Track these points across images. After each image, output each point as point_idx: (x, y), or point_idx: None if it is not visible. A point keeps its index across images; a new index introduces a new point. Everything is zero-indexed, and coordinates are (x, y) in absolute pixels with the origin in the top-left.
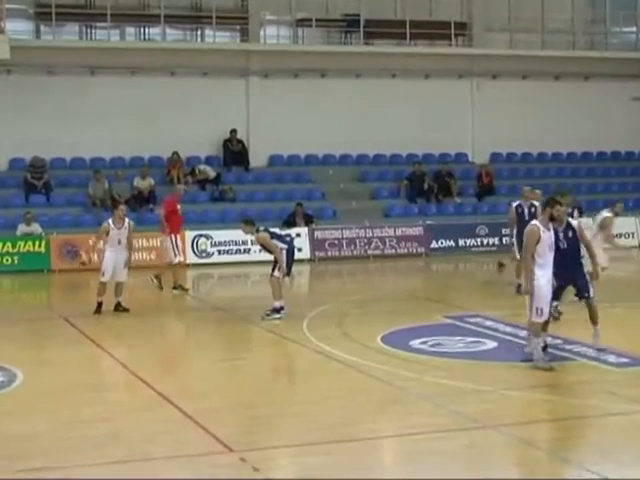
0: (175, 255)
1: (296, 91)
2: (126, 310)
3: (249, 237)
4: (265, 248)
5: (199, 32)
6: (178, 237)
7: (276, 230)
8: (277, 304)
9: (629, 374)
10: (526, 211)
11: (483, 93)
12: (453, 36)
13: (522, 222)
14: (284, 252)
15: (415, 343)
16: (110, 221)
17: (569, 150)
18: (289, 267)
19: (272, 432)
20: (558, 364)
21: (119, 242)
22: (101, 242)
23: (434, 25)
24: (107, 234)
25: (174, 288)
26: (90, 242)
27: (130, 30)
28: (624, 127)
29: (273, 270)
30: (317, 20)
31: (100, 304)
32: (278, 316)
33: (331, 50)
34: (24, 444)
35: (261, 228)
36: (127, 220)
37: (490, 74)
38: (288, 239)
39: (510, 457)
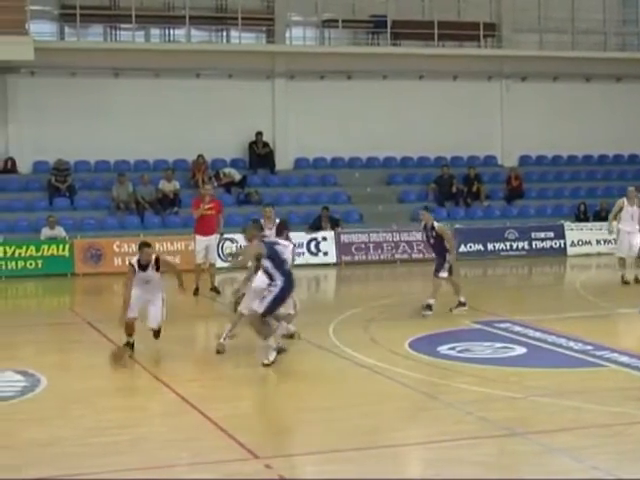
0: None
1: (322, 93)
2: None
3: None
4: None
5: (224, 33)
6: (197, 239)
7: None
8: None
9: None
10: None
11: (512, 95)
12: (482, 37)
13: None
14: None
15: (443, 349)
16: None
17: (600, 153)
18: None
19: (298, 439)
20: (589, 370)
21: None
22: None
23: (462, 26)
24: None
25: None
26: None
27: (155, 31)
28: None
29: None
30: (344, 21)
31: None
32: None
33: (358, 51)
34: (46, 450)
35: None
36: (278, 219)
37: (519, 76)
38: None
39: (540, 465)
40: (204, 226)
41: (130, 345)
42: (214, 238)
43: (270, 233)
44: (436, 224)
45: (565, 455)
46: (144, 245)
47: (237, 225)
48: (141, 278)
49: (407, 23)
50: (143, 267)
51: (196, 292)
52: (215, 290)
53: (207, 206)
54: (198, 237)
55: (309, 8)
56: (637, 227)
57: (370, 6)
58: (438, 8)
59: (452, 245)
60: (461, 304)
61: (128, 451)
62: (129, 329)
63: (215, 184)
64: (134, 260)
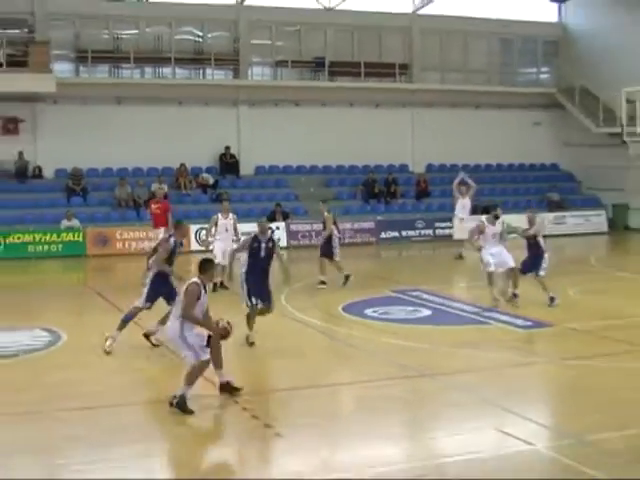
0: None
1: (276, 117)
2: (226, 288)
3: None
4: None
5: (201, 71)
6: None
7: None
8: None
9: (532, 334)
10: None
11: (420, 119)
12: (397, 74)
13: None
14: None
15: (369, 311)
16: (219, 214)
17: (487, 162)
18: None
19: (258, 380)
20: (479, 327)
21: (226, 230)
22: (212, 231)
23: (382, 65)
24: (216, 224)
25: None
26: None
27: (148, 69)
28: (528, 145)
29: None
30: (292, 62)
31: (215, 284)
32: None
33: (303, 85)
34: (69, 388)
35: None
36: (231, 213)
37: (426, 104)
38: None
39: (442, 399)
40: (154, 221)
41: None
42: (161, 231)
43: (226, 222)
44: (325, 214)
45: (462, 390)
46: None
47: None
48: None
49: (341, 63)
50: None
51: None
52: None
53: (154, 206)
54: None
55: (266, 51)
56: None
57: (313, 50)
58: (364, 51)
59: (327, 230)
60: (322, 282)
61: (137, 388)
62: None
63: (194, 186)
64: (197, 280)
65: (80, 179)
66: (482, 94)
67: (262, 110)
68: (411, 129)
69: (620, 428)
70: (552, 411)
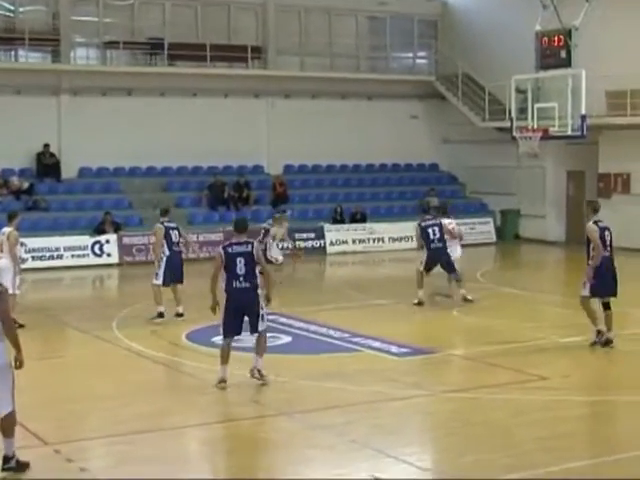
0: None
1: (105, 108)
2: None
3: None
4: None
5: (13, 53)
6: None
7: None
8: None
9: (409, 363)
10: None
11: (277, 111)
12: (250, 59)
13: None
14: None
15: (217, 339)
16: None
17: (355, 162)
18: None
19: (85, 425)
20: (346, 355)
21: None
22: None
23: (232, 49)
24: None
25: None
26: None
27: None
28: (403, 142)
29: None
30: (124, 43)
31: None
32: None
33: (137, 70)
34: None
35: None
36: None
37: (283, 93)
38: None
39: (306, 440)
40: None
41: None
42: None
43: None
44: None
45: (328, 430)
46: None
47: (26, 230)
48: None
49: (182, 45)
50: None
51: None
52: None
53: None
54: None
55: (92, 30)
56: None
57: (148, 29)
58: (210, 32)
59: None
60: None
61: None
62: None
63: (5, 192)
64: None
65: None
66: (349, 82)
67: (88, 100)
68: (266, 123)
69: (512, 470)
70: (433, 452)
